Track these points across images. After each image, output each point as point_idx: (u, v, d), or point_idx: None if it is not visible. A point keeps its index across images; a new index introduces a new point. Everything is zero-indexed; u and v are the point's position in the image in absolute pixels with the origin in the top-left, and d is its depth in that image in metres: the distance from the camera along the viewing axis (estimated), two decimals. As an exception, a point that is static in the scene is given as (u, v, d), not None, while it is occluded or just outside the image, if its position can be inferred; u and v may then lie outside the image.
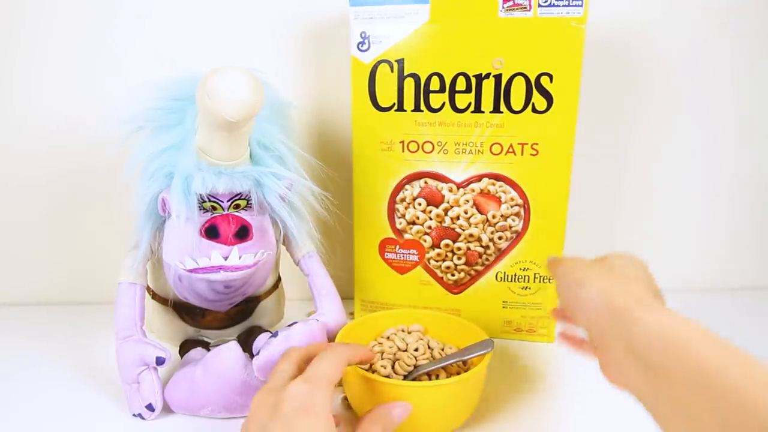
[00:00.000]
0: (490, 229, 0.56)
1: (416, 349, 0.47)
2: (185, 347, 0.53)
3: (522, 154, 0.53)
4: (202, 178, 0.43)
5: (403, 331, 0.50)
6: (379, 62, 0.53)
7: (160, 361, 0.44)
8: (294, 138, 0.50)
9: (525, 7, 0.49)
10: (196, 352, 0.51)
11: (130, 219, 0.46)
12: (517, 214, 0.55)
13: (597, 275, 0.34)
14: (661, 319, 0.28)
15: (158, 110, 0.44)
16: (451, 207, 0.56)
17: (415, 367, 0.45)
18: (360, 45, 0.53)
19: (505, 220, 0.55)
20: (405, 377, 0.44)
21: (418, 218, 0.57)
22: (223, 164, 0.43)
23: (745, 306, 0.68)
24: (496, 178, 0.54)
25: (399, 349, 0.47)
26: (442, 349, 0.48)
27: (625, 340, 0.29)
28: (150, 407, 0.44)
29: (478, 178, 0.54)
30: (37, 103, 0.63)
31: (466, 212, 0.56)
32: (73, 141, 0.64)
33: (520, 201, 0.54)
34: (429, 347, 0.48)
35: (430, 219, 0.57)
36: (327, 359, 0.35)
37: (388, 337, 0.49)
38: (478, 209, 0.55)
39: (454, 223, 0.56)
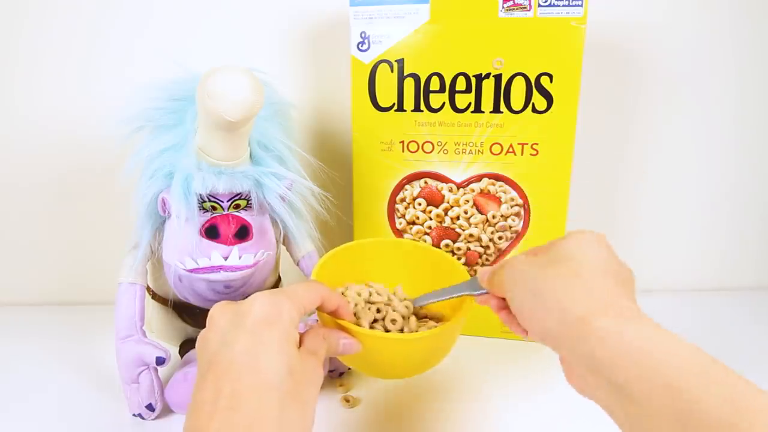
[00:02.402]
0: (490, 229, 0.56)
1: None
2: (185, 347, 0.53)
3: (522, 154, 0.53)
4: (202, 178, 0.43)
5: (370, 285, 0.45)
6: (379, 62, 0.53)
7: (160, 361, 0.44)
8: (294, 138, 0.50)
9: (525, 7, 0.49)
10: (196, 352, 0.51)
11: (130, 219, 0.46)
12: (517, 214, 0.55)
13: (551, 278, 0.29)
14: (625, 331, 0.25)
15: (158, 110, 0.44)
16: (451, 207, 0.56)
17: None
18: (360, 45, 0.53)
19: (505, 221, 0.55)
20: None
21: (418, 218, 0.57)
22: (223, 164, 0.43)
23: (745, 306, 0.68)
24: (496, 178, 0.54)
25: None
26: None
27: (586, 358, 0.26)
28: (150, 407, 0.44)
29: (478, 178, 0.54)
30: (38, 103, 0.63)
31: (466, 212, 0.56)
32: (73, 141, 0.64)
33: (520, 201, 0.54)
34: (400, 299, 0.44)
35: (430, 219, 0.57)
36: (302, 284, 0.34)
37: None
38: (478, 209, 0.55)
39: (454, 223, 0.56)
